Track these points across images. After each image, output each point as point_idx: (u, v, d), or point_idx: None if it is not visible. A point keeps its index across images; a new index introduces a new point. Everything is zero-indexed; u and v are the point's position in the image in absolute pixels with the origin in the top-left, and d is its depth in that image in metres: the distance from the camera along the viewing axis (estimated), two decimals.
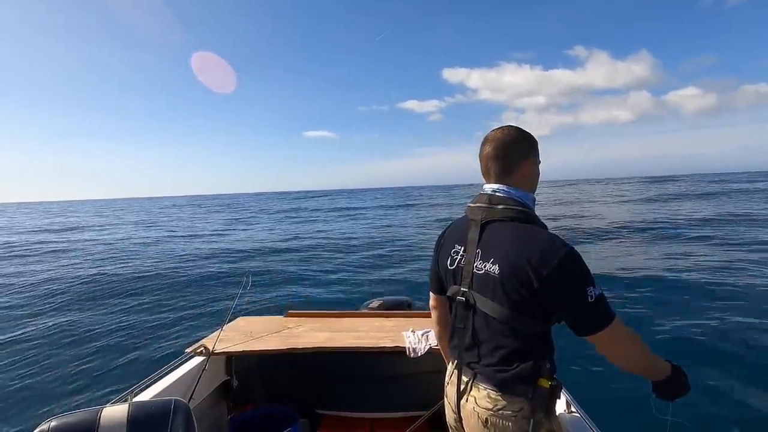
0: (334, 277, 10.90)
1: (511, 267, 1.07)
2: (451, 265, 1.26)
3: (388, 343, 2.25)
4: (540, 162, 1.23)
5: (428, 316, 2.91)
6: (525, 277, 1.04)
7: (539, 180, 1.24)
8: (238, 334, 2.45)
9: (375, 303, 3.53)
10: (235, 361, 2.52)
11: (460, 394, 1.23)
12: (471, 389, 1.19)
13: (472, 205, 1.24)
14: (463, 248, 1.22)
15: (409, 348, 2.21)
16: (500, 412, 1.12)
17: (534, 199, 1.21)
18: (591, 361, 4.58)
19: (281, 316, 2.94)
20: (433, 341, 2.26)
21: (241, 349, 2.24)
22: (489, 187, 1.20)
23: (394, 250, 13.77)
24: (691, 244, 11.65)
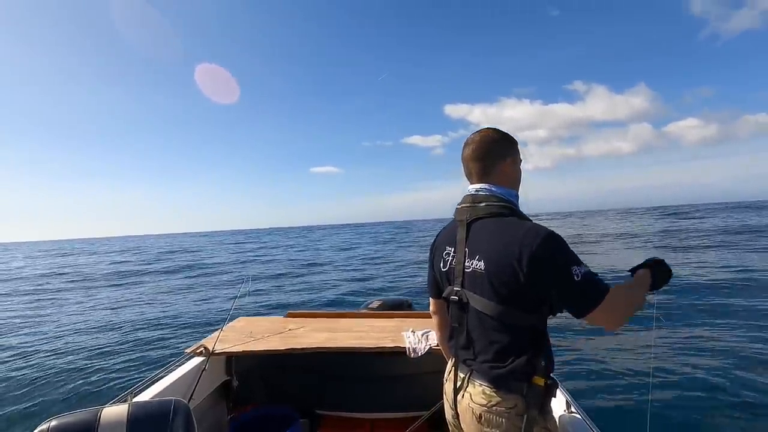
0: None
1: (495, 260, 1.09)
2: (444, 267, 1.28)
3: (389, 344, 2.25)
4: (521, 161, 1.26)
5: (428, 316, 2.90)
6: (509, 269, 1.05)
7: (521, 178, 1.27)
8: (238, 335, 2.45)
9: (375, 303, 3.53)
10: (235, 361, 2.52)
11: (456, 391, 1.25)
12: (467, 385, 1.20)
13: (458, 206, 1.27)
14: (453, 249, 1.24)
15: (409, 348, 2.21)
16: (494, 408, 1.12)
17: (517, 196, 1.23)
18: (591, 363, 4.58)
19: (281, 317, 2.94)
20: (433, 341, 2.26)
21: (241, 350, 2.24)
22: (472, 188, 1.24)
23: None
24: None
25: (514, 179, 1.23)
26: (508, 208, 1.15)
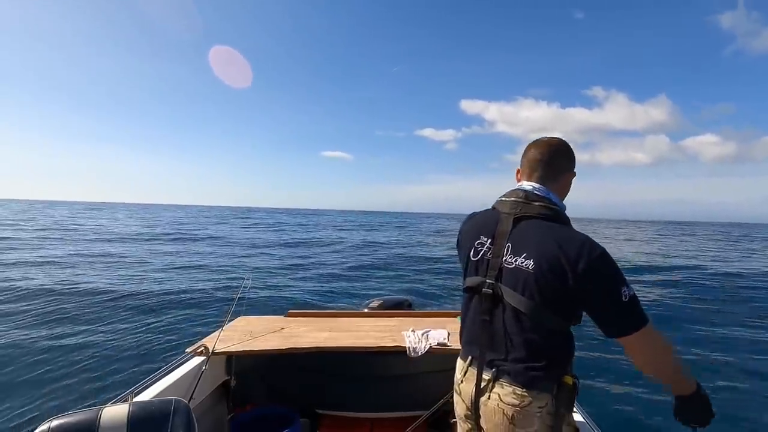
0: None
1: (547, 262, 1.07)
2: (474, 256, 1.25)
3: (389, 343, 2.25)
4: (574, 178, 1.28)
5: (428, 315, 2.92)
6: (560, 273, 1.05)
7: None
8: (238, 334, 2.45)
9: (375, 303, 3.53)
10: (235, 361, 2.52)
11: (480, 392, 1.22)
12: (493, 387, 1.18)
13: (504, 198, 1.25)
14: (490, 240, 1.22)
15: (409, 348, 2.21)
16: (526, 408, 1.13)
17: (565, 207, 1.23)
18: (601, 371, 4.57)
19: (281, 316, 2.94)
20: (432, 341, 2.26)
21: (241, 349, 2.24)
22: (528, 184, 1.22)
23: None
24: None
25: (566, 192, 1.26)
26: (561, 215, 1.16)
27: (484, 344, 1.21)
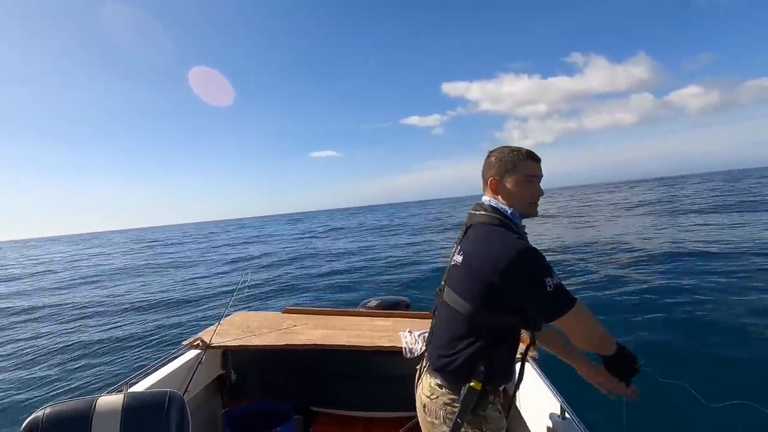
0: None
1: (472, 261, 1.20)
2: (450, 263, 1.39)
3: (385, 343, 2.25)
4: (523, 179, 1.27)
5: (426, 317, 2.92)
6: (482, 270, 1.15)
7: (523, 196, 1.28)
8: (235, 329, 2.45)
9: (373, 302, 3.53)
10: (231, 355, 2.52)
11: (416, 383, 1.38)
12: (424, 374, 1.33)
13: (469, 211, 1.39)
14: (455, 247, 1.36)
15: (405, 348, 2.21)
16: (434, 401, 1.24)
17: (514, 213, 1.27)
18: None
19: (279, 312, 2.94)
20: None
21: (238, 344, 2.24)
22: (484, 198, 1.36)
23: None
24: None
25: (510, 197, 1.28)
26: (500, 220, 1.24)
27: (429, 339, 1.37)
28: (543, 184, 1.32)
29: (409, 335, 2.35)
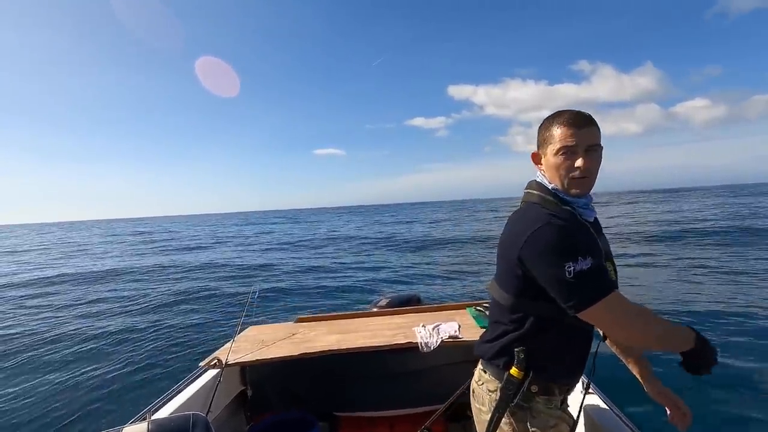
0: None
1: (502, 245, 1.13)
2: None
3: (401, 340, 2.25)
4: (557, 149, 1.08)
5: (437, 309, 2.92)
6: (508, 254, 1.07)
7: (556, 167, 1.10)
8: (250, 344, 2.46)
9: (384, 301, 3.53)
10: (249, 370, 2.53)
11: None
12: (479, 365, 1.29)
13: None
14: None
15: (421, 343, 2.21)
16: (481, 386, 1.22)
17: (556, 188, 1.11)
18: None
19: (292, 323, 2.94)
20: (444, 334, 2.26)
21: (254, 358, 2.24)
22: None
23: None
24: None
25: (548, 170, 1.13)
26: (540, 197, 1.11)
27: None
28: None
29: (423, 329, 2.36)
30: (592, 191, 1.12)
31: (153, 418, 1.35)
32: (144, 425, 1.27)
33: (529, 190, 1.16)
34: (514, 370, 1.11)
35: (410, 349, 2.21)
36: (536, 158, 1.18)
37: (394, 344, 2.22)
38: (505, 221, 1.17)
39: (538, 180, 1.16)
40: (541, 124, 1.15)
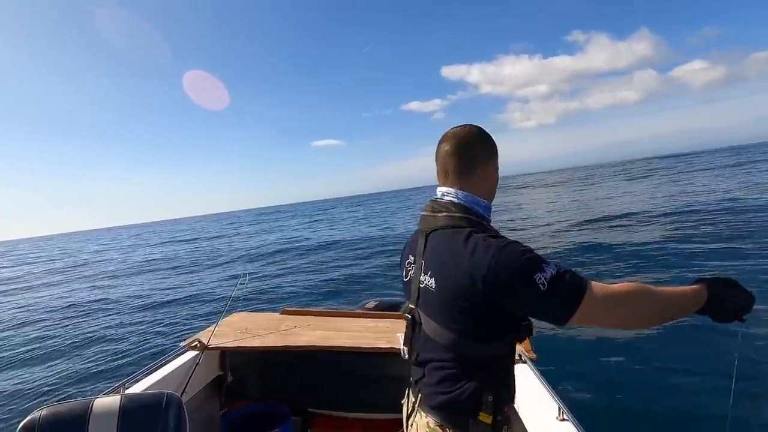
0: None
1: (446, 281, 0.98)
2: (405, 277, 1.18)
3: (383, 344, 2.24)
4: (498, 168, 1.11)
5: None
6: (463, 289, 0.93)
7: (497, 186, 1.12)
8: (233, 330, 2.45)
9: (371, 303, 3.52)
10: (229, 356, 2.51)
11: (408, 416, 1.22)
12: (416, 413, 1.13)
13: (421, 213, 1.13)
14: (413, 259, 1.12)
15: (403, 349, 2.20)
16: None
17: (488, 206, 1.07)
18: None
19: (277, 313, 2.93)
20: None
21: (235, 345, 2.23)
22: (439, 191, 1.10)
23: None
24: None
25: (491, 186, 1.09)
26: (468, 220, 1.00)
27: (413, 365, 1.18)
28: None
29: None
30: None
31: (126, 392, 1.35)
32: (117, 398, 1.26)
33: (454, 213, 1.02)
34: (483, 415, 0.99)
35: (392, 354, 2.21)
36: (466, 175, 1.05)
37: (377, 348, 2.22)
38: (431, 248, 1.05)
39: (462, 201, 1.03)
40: (483, 134, 1.07)
